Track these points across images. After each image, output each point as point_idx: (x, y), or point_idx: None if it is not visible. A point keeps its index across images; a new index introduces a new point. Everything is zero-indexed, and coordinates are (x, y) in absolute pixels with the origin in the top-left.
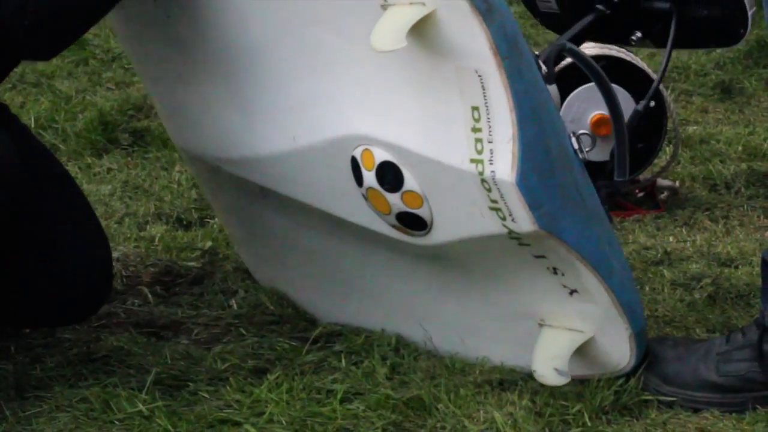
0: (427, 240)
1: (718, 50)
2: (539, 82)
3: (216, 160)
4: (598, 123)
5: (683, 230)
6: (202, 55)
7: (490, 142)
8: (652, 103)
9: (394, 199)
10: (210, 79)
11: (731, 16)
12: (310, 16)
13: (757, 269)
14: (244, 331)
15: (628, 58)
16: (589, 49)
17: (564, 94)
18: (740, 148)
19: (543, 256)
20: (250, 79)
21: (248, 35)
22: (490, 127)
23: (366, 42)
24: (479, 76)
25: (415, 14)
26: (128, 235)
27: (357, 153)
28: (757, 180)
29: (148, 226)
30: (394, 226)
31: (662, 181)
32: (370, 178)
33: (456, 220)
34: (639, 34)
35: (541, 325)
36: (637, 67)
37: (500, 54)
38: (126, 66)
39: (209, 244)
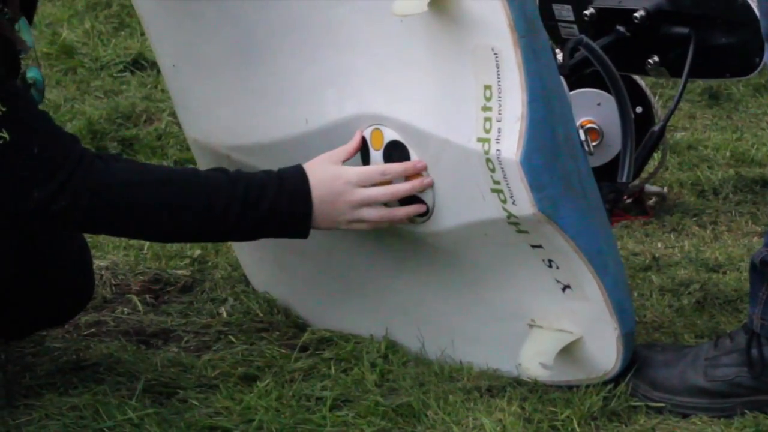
0: (427, 227)
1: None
2: (553, 67)
3: (227, 148)
4: (585, 129)
5: (671, 236)
6: (223, 38)
7: (498, 121)
8: (639, 109)
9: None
10: (229, 64)
11: (748, 44)
12: None
13: (745, 274)
14: (233, 339)
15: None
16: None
17: None
18: (728, 153)
19: (539, 246)
20: (270, 62)
21: (272, 18)
22: (500, 106)
23: (387, 20)
24: (495, 54)
25: None
26: (117, 244)
27: (367, 133)
28: (744, 185)
29: None
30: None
31: (650, 187)
32: (377, 157)
33: (457, 204)
34: (656, 59)
35: (530, 326)
36: (626, 75)
37: (518, 32)
38: (114, 75)
39: (198, 252)
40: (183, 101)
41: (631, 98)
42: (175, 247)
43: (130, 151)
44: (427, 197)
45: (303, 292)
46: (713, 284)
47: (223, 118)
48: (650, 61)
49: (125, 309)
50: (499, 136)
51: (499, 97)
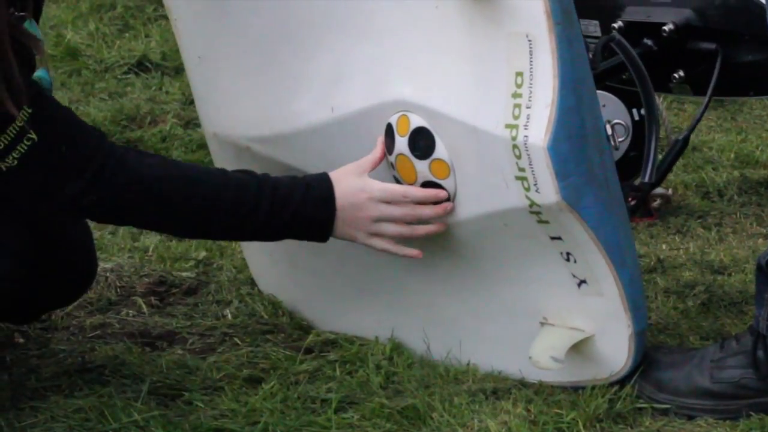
0: (447, 217)
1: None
2: (585, 58)
3: (248, 139)
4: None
5: (676, 238)
6: (252, 28)
7: (528, 107)
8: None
9: (421, 167)
10: (256, 54)
11: None
12: None
13: (750, 276)
14: (238, 341)
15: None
16: None
17: None
18: (732, 155)
19: (559, 238)
20: (298, 50)
21: (304, 7)
22: (531, 92)
23: (421, 8)
24: (529, 40)
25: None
26: (122, 246)
27: (394, 119)
28: (749, 187)
29: (141, 237)
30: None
31: (655, 189)
32: (402, 143)
33: (479, 192)
34: (681, 73)
35: (542, 324)
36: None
37: (554, 18)
38: (119, 77)
39: (203, 254)
40: (206, 94)
41: (636, 100)
42: (179, 249)
43: None
44: (449, 185)
45: (313, 292)
46: (718, 286)
47: (246, 108)
48: (675, 75)
49: (130, 311)
50: (527, 122)
51: (530, 83)
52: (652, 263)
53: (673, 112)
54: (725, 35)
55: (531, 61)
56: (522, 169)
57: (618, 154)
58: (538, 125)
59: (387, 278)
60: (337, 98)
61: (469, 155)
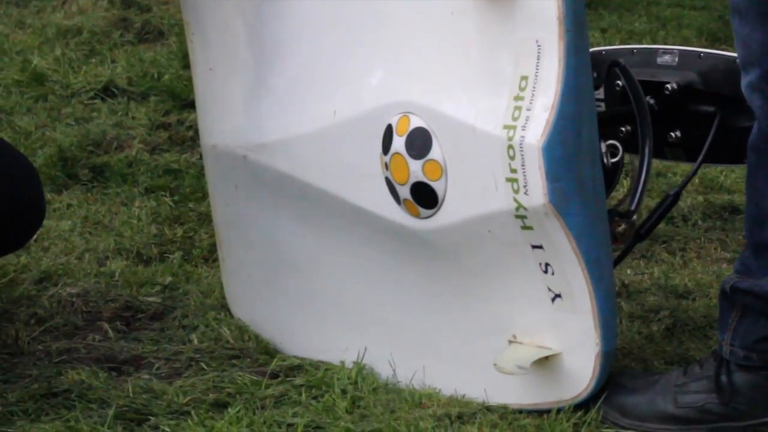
0: (432, 222)
1: None
2: (589, 71)
3: (247, 148)
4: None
5: (641, 262)
6: (265, 35)
7: (528, 109)
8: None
9: (415, 167)
10: (265, 61)
11: None
12: None
13: (715, 301)
14: (204, 366)
15: None
16: None
17: None
18: (697, 180)
19: (540, 246)
20: (306, 55)
21: (317, 9)
22: (533, 96)
23: (433, 11)
24: (539, 45)
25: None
26: (88, 271)
27: (394, 120)
28: (713, 212)
29: (108, 262)
30: (405, 201)
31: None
32: (399, 143)
33: (468, 194)
34: (678, 134)
35: (510, 342)
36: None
37: (565, 25)
38: (85, 102)
39: (169, 279)
40: (210, 105)
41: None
42: (146, 274)
43: (101, 178)
44: (439, 187)
45: (283, 312)
46: (683, 311)
47: (248, 116)
48: (672, 135)
49: (96, 336)
50: (526, 123)
51: (534, 87)
52: (617, 288)
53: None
54: (725, 100)
55: (537, 66)
56: (514, 170)
57: None
58: (536, 126)
59: (356, 297)
60: (340, 102)
61: (463, 156)
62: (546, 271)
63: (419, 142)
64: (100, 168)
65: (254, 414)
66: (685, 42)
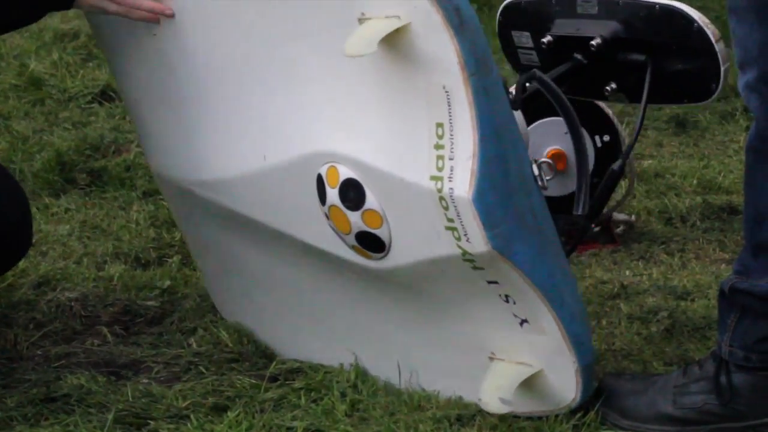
0: (385, 263)
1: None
2: (505, 104)
3: (189, 183)
4: (554, 158)
5: (639, 264)
6: (183, 74)
7: (451, 159)
8: (606, 138)
9: (354, 218)
10: (189, 99)
11: (705, 70)
12: (289, 32)
13: (713, 302)
14: (203, 369)
15: None
16: None
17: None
18: (695, 181)
19: (495, 282)
20: (228, 98)
21: (230, 54)
22: (452, 143)
23: (340, 58)
24: (446, 92)
25: (389, 26)
26: (87, 275)
27: (323, 170)
28: (712, 213)
29: (106, 266)
30: (353, 247)
31: (618, 215)
32: (333, 195)
33: (413, 241)
34: (614, 86)
35: (491, 359)
36: (591, 102)
37: (467, 70)
38: (83, 106)
39: (168, 283)
40: (146, 136)
41: (597, 127)
42: (144, 278)
43: (99, 183)
44: (383, 234)
45: (270, 323)
46: (681, 312)
47: (183, 153)
48: (608, 88)
49: (95, 340)
50: (451, 174)
51: (451, 135)
52: (616, 289)
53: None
54: (654, 46)
55: (450, 112)
56: (451, 220)
57: None
58: (462, 177)
59: (339, 313)
60: (269, 147)
61: (399, 206)
62: (507, 301)
63: (352, 194)
64: (97, 172)
65: (253, 417)
66: None
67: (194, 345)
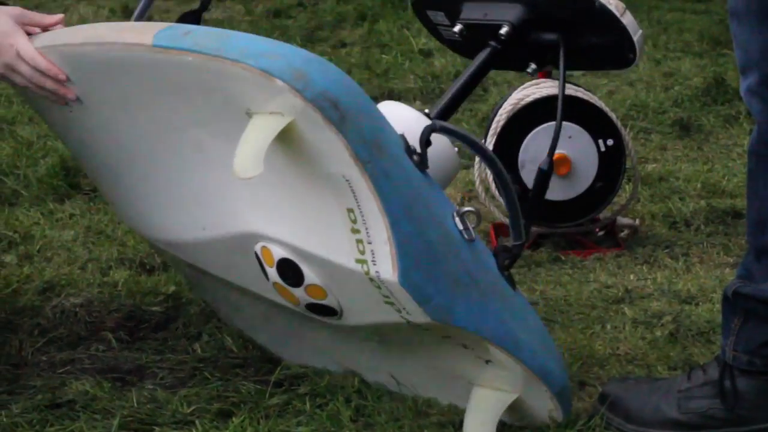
0: (343, 322)
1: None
2: (410, 176)
3: (148, 238)
4: (557, 162)
5: (644, 268)
6: (105, 150)
7: (369, 243)
8: (610, 142)
9: (299, 293)
10: (118, 169)
11: (617, 42)
12: (189, 119)
13: (718, 306)
14: (208, 375)
15: (586, 98)
16: (547, 87)
17: (524, 133)
18: (699, 185)
19: (449, 337)
20: (152, 172)
21: (143, 135)
22: (366, 228)
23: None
24: (347, 180)
25: (274, 126)
26: (91, 281)
27: (258, 249)
28: (716, 217)
29: (111, 271)
30: (307, 311)
31: (622, 219)
32: (272, 273)
33: (362, 308)
34: (534, 66)
35: (472, 384)
36: (595, 106)
37: (360, 159)
38: None
39: (173, 288)
40: (103, 190)
41: (601, 131)
42: (149, 283)
43: None
44: (331, 303)
45: (262, 329)
46: (686, 316)
47: (136, 215)
48: (528, 69)
49: (100, 346)
50: (374, 257)
51: (364, 220)
52: (620, 293)
53: (640, 143)
54: (563, 24)
55: (356, 199)
56: (387, 296)
57: (585, 185)
58: (384, 261)
59: (320, 335)
60: (207, 219)
61: (338, 282)
62: (467, 347)
63: (290, 272)
64: None
65: (258, 423)
66: (687, 46)
67: (199, 350)
